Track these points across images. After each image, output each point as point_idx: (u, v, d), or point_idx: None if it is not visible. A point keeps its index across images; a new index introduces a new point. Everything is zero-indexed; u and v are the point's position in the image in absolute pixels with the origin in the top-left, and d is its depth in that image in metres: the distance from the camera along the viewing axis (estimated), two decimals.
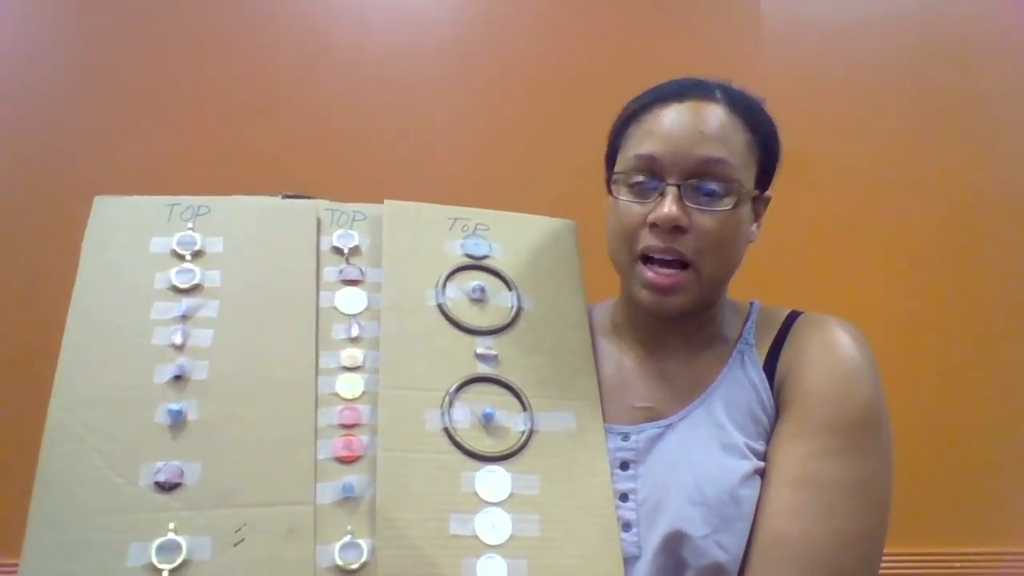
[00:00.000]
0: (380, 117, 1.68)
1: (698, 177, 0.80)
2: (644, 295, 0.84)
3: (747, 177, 0.83)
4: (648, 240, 0.82)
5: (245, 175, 1.60)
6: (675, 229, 0.80)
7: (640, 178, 0.83)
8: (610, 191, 0.87)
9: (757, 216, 0.88)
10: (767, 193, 0.88)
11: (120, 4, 1.68)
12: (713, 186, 0.80)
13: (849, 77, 1.70)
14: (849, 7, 1.72)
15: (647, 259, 0.83)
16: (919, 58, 1.71)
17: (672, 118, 0.82)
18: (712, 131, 0.81)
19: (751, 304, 0.93)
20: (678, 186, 0.80)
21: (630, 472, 0.83)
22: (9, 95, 1.64)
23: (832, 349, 0.82)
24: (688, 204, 0.80)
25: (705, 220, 0.80)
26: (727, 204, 0.81)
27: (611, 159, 0.90)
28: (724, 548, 0.75)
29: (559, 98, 1.69)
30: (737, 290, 0.93)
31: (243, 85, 1.68)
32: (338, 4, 1.71)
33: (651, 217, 0.81)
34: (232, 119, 1.66)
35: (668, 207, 0.80)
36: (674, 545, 0.77)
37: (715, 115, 0.81)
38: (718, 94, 0.84)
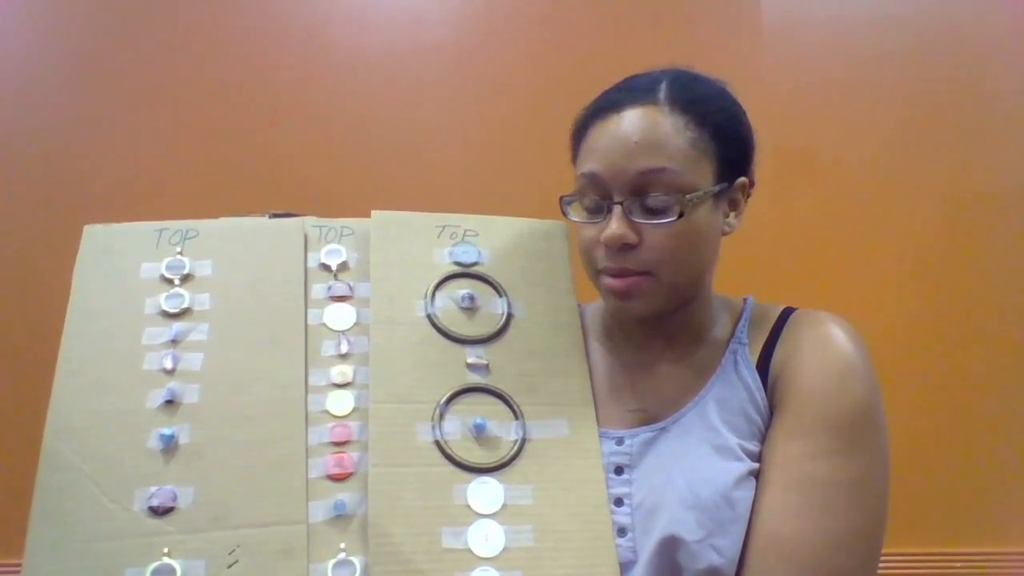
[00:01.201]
0: (379, 117, 1.69)
1: (640, 191, 0.79)
2: (610, 302, 0.85)
3: (700, 177, 0.80)
4: (603, 260, 0.82)
5: (244, 174, 1.62)
6: (624, 247, 0.79)
7: (588, 197, 0.83)
8: (563, 212, 0.87)
9: (735, 205, 0.85)
10: (742, 179, 0.84)
11: (118, 4, 1.69)
12: (659, 197, 0.78)
13: (849, 76, 1.68)
14: (849, 6, 1.71)
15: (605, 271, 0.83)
16: (919, 57, 1.69)
17: (612, 131, 0.80)
18: (648, 139, 0.78)
19: (745, 301, 0.92)
20: (621, 203, 0.79)
21: (624, 477, 0.82)
22: (7, 97, 1.66)
23: (826, 346, 0.80)
24: (637, 220, 0.79)
25: (655, 233, 0.79)
26: (672, 215, 0.78)
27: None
28: (719, 551, 0.74)
29: (558, 98, 1.65)
30: (735, 287, 0.91)
31: (242, 85, 1.69)
32: (338, 4, 1.71)
33: (601, 237, 0.80)
34: (231, 119, 1.68)
35: (612, 227, 0.79)
36: (669, 549, 0.76)
37: (651, 121, 0.79)
38: (661, 93, 0.81)
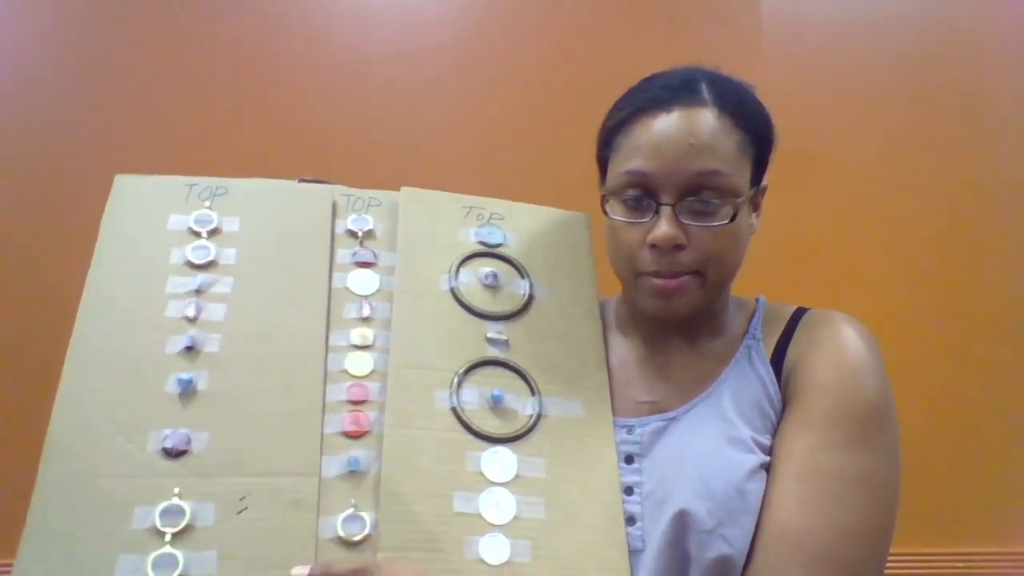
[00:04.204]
0: (378, 117, 1.69)
1: (693, 193, 0.79)
2: (650, 303, 0.83)
3: (743, 180, 0.81)
4: (649, 263, 0.81)
5: (246, 174, 1.62)
6: (674, 248, 0.79)
7: (632, 194, 0.81)
8: (604, 211, 0.85)
9: (756, 207, 0.87)
10: (764, 183, 0.86)
11: (128, 2, 1.70)
12: (710, 199, 0.79)
13: (849, 77, 1.69)
14: (849, 7, 1.72)
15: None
16: (919, 58, 1.70)
17: (660, 130, 0.79)
18: (703, 141, 0.78)
19: (757, 300, 0.92)
20: (672, 205, 0.79)
21: (635, 466, 0.82)
22: (19, 91, 1.66)
23: (840, 344, 0.81)
24: (685, 221, 0.79)
25: (703, 234, 0.79)
26: (724, 217, 0.79)
27: (602, 163, 0.89)
28: (729, 541, 0.74)
29: (559, 97, 1.69)
30: (738, 287, 0.92)
31: (245, 85, 1.69)
32: (340, 4, 1.72)
33: (649, 238, 0.80)
34: (235, 118, 1.68)
35: (664, 228, 0.78)
36: (679, 539, 0.76)
37: (704, 122, 0.79)
38: (706, 94, 0.81)
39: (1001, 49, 1.70)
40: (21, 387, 1.46)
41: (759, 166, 0.84)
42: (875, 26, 1.71)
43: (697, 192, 0.79)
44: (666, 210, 0.79)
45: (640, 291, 0.83)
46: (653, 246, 0.80)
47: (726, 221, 0.79)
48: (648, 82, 0.86)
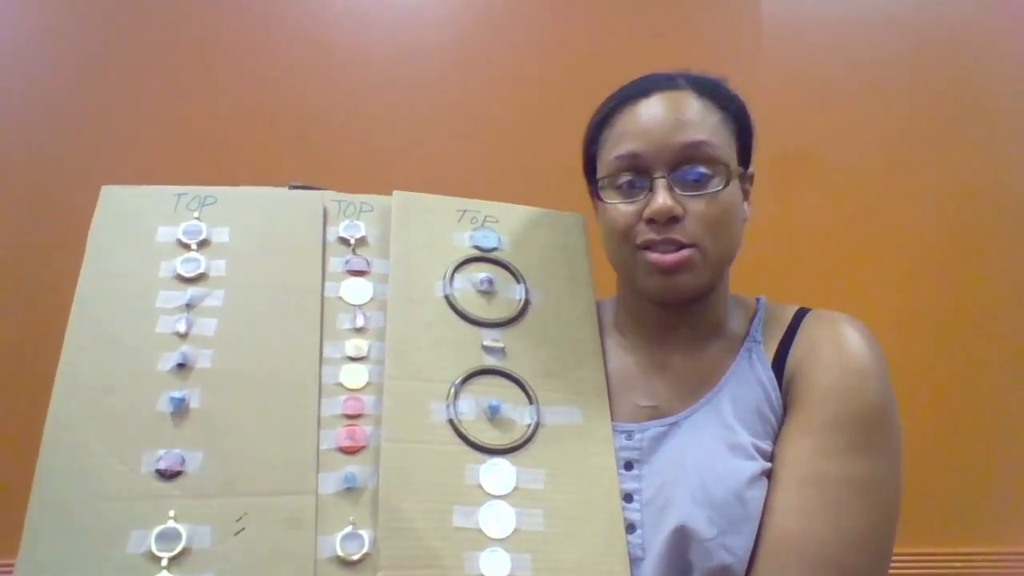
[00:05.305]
0: (378, 118, 1.68)
1: (684, 164, 0.80)
2: (652, 281, 0.82)
3: (730, 155, 0.83)
4: (646, 234, 0.81)
5: (246, 176, 1.61)
6: (671, 219, 0.79)
7: (626, 178, 0.82)
8: (598, 197, 0.86)
9: (746, 195, 0.87)
10: (750, 170, 0.87)
11: (127, 4, 1.68)
12: (700, 169, 0.80)
13: (849, 77, 1.68)
14: (849, 7, 1.71)
15: (648, 247, 0.81)
16: (919, 58, 1.69)
17: (645, 112, 0.82)
18: (687, 116, 0.81)
19: (757, 300, 0.91)
20: (665, 177, 0.80)
21: (634, 472, 0.81)
22: (12, 93, 1.64)
23: (842, 346, 0.80)
24: (679, 192, 0.80)
25: (698, 205, 0.80)
26: (717, 185, 0.80)
27: (589, 169, 0.90)
28: (730, 550, 0.73)
29: (559, 97, 1.67)
30: (738, 286, 0.91)
31: (240, 85, 1.68)
32: (340, 4, 1.71)
33: (646, 212, 0.80)
34: (231, 119, 1.66)
35: (661, 199, 0.79)
36: (680, 547, 0.75)
37: (685, 100, 0.82)
38: (681, 82, 0.84)
39: (1001, 49, 1.69)
40: (20, 390, 1.46)
41: (743, 148, 0.86)
42: (875, 26, 1.69)
43: (686, 163, 0.80)
44: (660, 183, 0.80)
45: (639, 269, 0.82)
46: (651, 220, 0.80)
47: (718, 189, 0.80)
48: (624, 86, 0.88)
